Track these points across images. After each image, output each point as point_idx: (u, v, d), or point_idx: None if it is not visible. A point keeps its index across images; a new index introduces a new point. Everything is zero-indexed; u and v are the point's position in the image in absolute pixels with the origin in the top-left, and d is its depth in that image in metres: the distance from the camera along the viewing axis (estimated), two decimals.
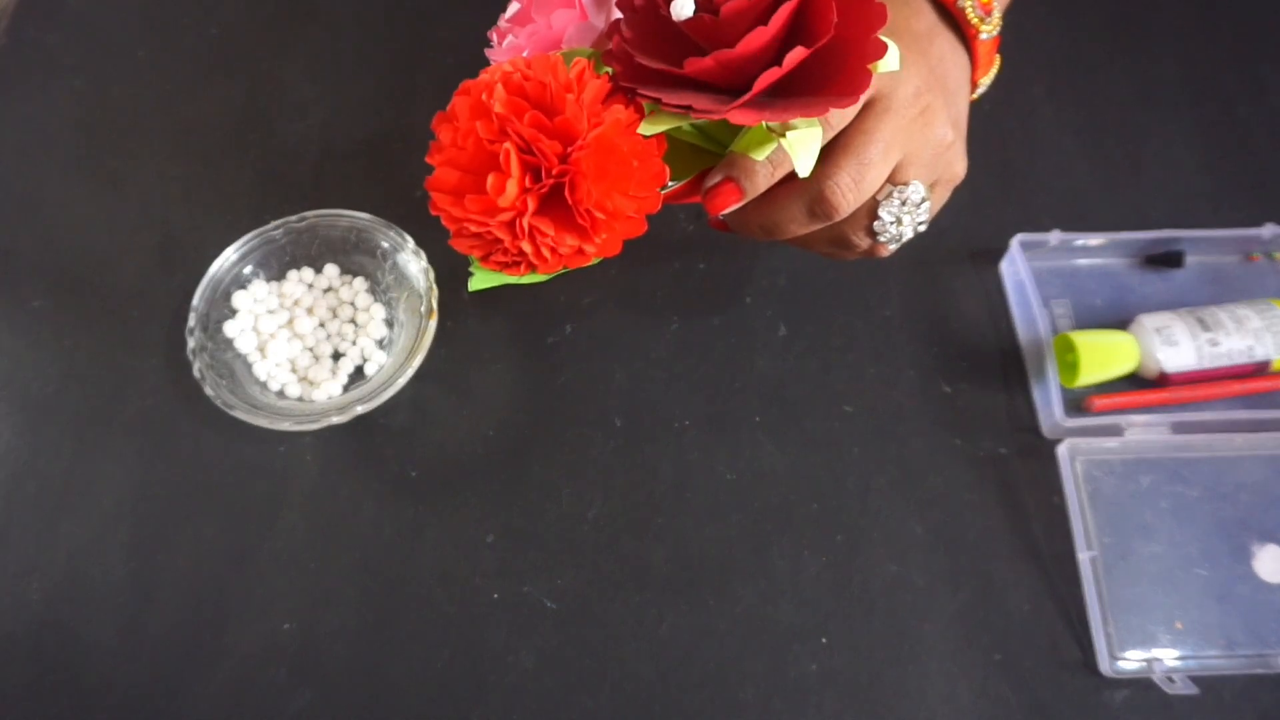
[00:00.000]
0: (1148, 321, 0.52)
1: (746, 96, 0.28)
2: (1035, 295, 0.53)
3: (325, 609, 0.48)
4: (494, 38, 0.35)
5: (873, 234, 0.38)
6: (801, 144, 0.31)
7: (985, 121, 0.63)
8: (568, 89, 0.28)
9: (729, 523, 0.50)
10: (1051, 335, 0.52)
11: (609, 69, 0.31)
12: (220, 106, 0.63)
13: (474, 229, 0.29)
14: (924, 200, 0.38)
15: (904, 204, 0.37)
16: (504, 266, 0.31)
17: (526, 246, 0.29)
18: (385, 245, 0.54)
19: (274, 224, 0.54)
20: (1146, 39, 0.66)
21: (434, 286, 0.52)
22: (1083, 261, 0.57)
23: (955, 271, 0.57)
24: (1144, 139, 0.62)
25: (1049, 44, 0.65)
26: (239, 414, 0.48)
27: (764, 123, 0.31)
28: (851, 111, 0.34)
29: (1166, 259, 0.56)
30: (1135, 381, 0.53)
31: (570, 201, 0.28)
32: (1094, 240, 0.56)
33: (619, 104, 0.29)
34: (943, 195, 0.41)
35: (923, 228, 0.39)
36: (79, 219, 0.59)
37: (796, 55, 0.28)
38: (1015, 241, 0.55)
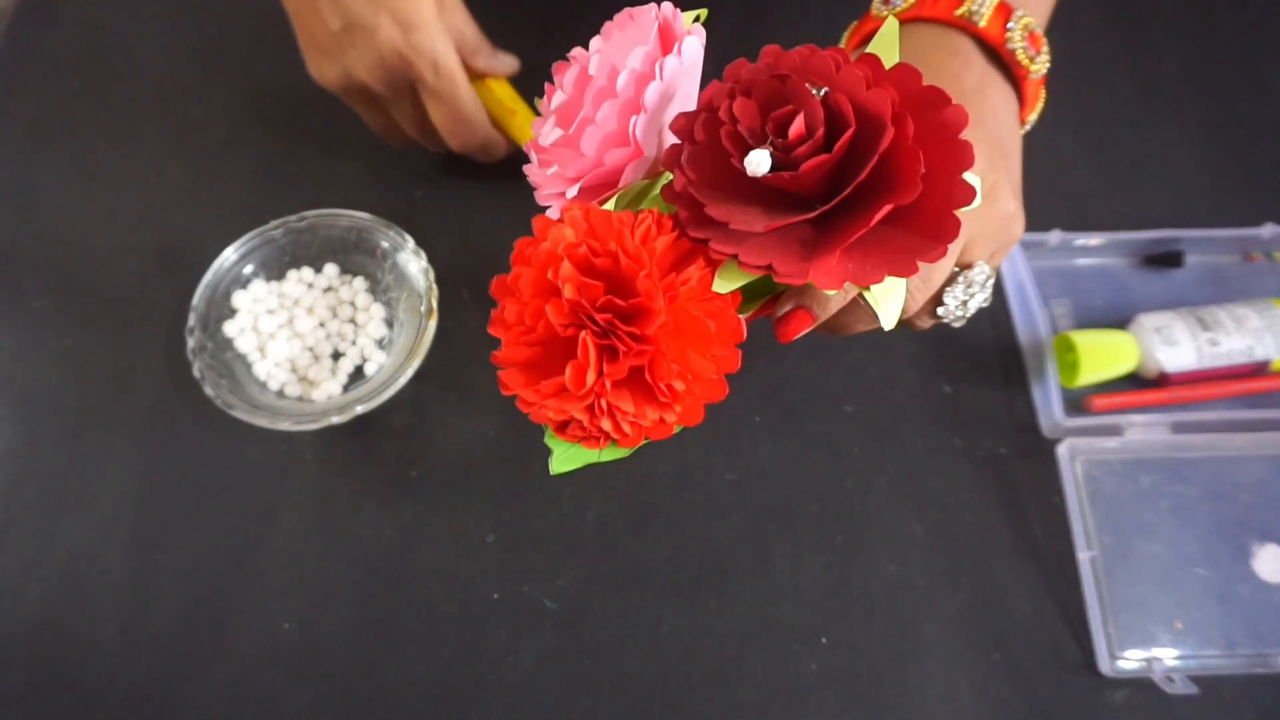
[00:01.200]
0: (1147, 321, 0.52)
1: (832, 259, 0.26)
2: (1035, 295, 0.53)
3: (325, 609, 0.48)
4: (533, 155, 0.33)
5: (937, 317, 0.37)
6: (885, 296, 0.29)
7: None
8: (638, 261, 0.27)
9: (729, 523, 0.50)
10: (1051, 335, 0.52)
11: (672, 208, 0.29)
12: (220, 106, 0.63)
13: (552, 414, 0.28)
14: (988, 279, 0.36)
15: (969, 286, 0.36)
16: (583, 440, 0.29)
17: (607, 425, 0.28)
18: (385, 245, 0.54)
19: (274, 223, 0.54)
20: (1147, 39, 0.66)
21: (434, 286, 0.52)
22: (1083, 261, 0.57)
23: None
24: (1144, 139, 0.62)
25: (1050, 44, 0.65)
26: (239, 414, 0.48)
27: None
28: None
29: (1166, 259, 0.56)
30: (1135, 381, 0.53)
31: (650, 379, 0.27)
32: (1094, 240, 0.56)
33: (688, 261, 0.28)
34: (1001, 257, 0.39)
35: (987, 303, 0.37)
36: (79, 219, 0.59)
37: (882, 213, 0.25)
38: None
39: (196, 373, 0.50)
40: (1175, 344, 0.51)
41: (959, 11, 0.37)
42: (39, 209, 0.60)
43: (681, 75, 0.30)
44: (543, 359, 0.28)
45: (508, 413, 0.53)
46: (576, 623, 0.48)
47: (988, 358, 0.54)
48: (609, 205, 0.30)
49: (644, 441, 0.30)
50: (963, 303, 0.36)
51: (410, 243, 0.53)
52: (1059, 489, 0.50)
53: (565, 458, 0.31)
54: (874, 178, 0.26)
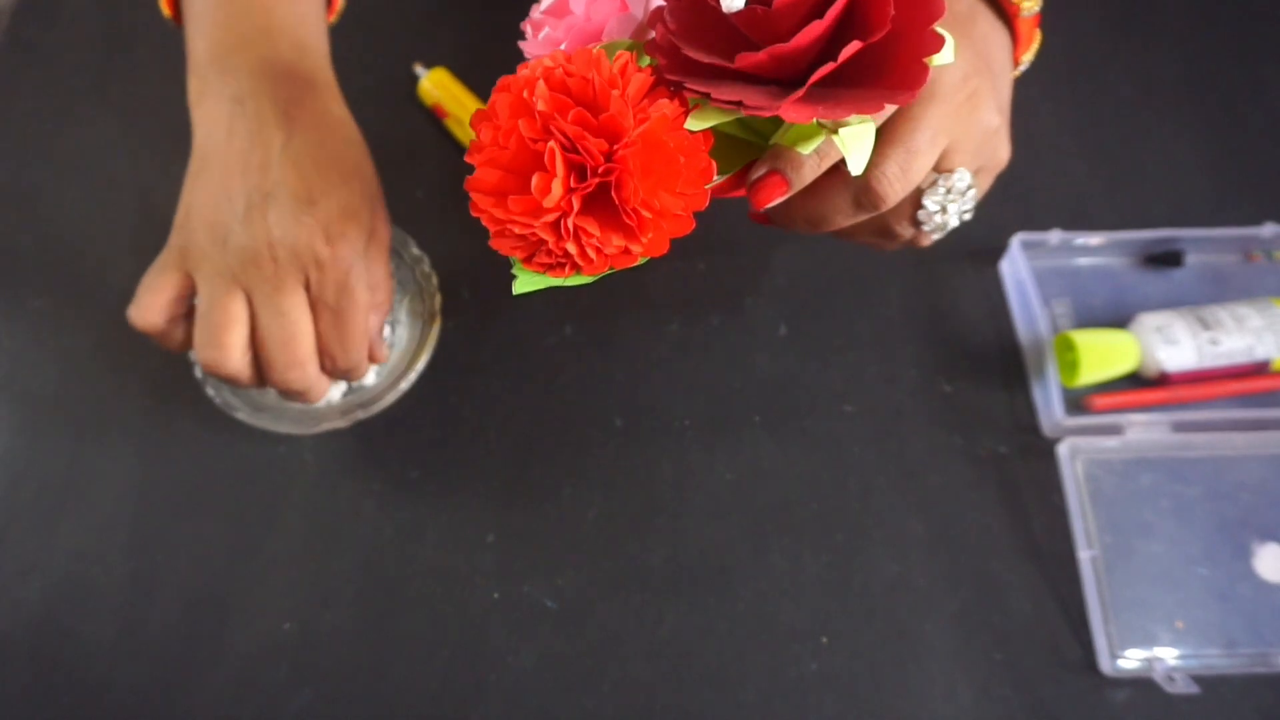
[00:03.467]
0: (1148, 320, 0.52)
1: (800, 92, 0.27)
2: (1035, 294, 0.53)
3: (325, 609, 0.48)
4: (528, 30, 0.34)
5: (917, 223, 0.38)
6: (854, 140, 0.30)
7: None
8: (612, 84, 0.27)
9: (729, 523, 0.50)
10: (1051, 334, 0.52)
11: (653, 61, 0.30)
12: None
13: (518, 230, 0.28)
14: (970, 188, 0.37)
15: (949, 192, 0.37)
16: (548, 268, 0.30)
17: (571, 247, 0.28)
18: None
19: None
20: (1146, 38, 0.66)
21: (436, 290, 0.52)
22: (1083, 261, 0.57)
23: (955, 271, 0.57)
24: (1144, 138, 0.62)
25: (1049, 43, 0.65)
26: (241, 415, 0.48)
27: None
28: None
29: (1166, 258, 0.56)
30: (1135, 381, 0.53)
31: (616, 200, 0.28)
32: (1094, 239, 0.56)
33: (664, 99, 0.29)
34: (987, 182, 0.40)
35: (968, 216, 0.38)
36: (79, 219, 0.59)
37: (852, 49, 0.27)
38: (1015, 241, 0.55)
39: (198, 374, 0.50)
40: (1176, 343, 0.51)
41: None
42: (39, 209, 0.60)
43: None
44: (513, 182, 0.29)
45: (508, 412, 0.53)
46: (576, 623, 0.48)
47: (988, 357, 0.54)
48: None
49: (608, 270, 0.30)
50: (942, 208, 0.37)
51: (412, 244, 0.53)
52: (1059, 488, 0.50)
53: (527, 280, 0.31)
54: (845, 25, 0.28)
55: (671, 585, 0.48)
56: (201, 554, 0.49)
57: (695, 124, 0.29)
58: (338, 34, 0.66)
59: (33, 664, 0.47)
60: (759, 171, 0.33)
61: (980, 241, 0.57)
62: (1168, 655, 0.46)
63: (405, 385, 0.49)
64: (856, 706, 0.46)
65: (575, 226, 0.28)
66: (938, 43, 0.27)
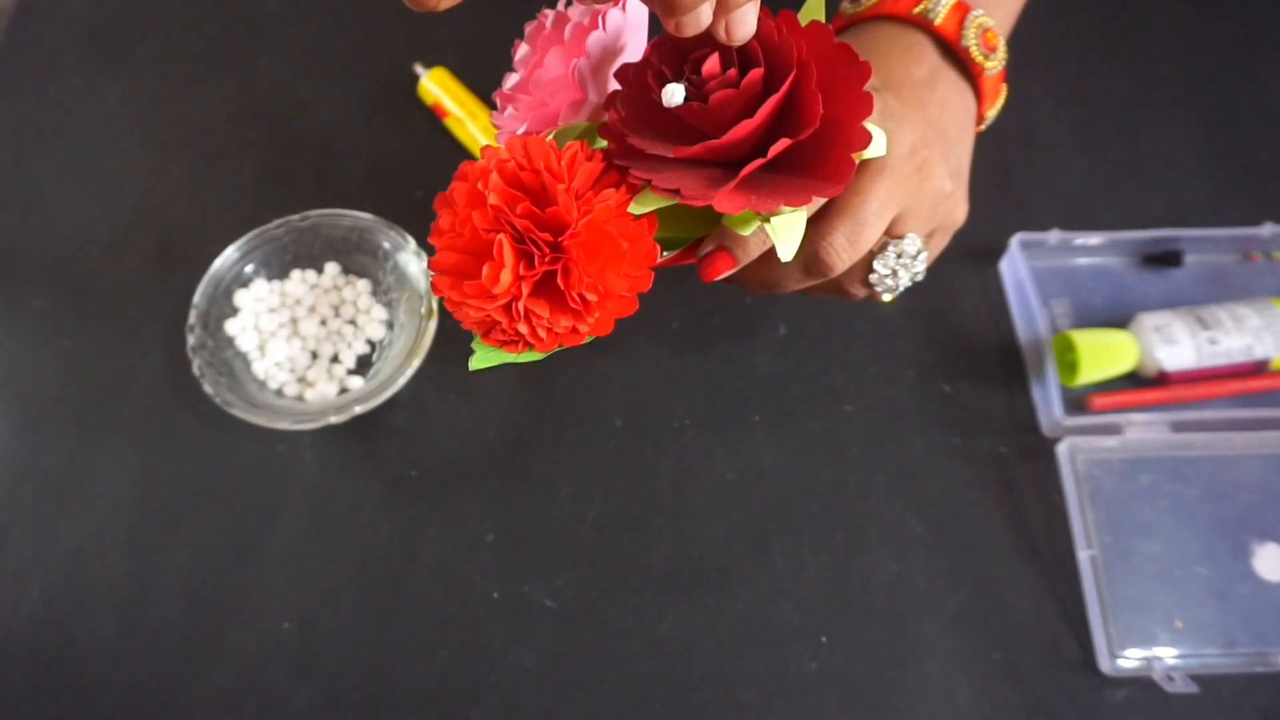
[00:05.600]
0: (1147, 320, 0.52)
1: (731, 185, 0.29)
2: (1035, 294, 0.53)
3: (325, 608, 0.48)
4: (499, 102, 0.35)
5: (869, 285, 0.39)
6: (785, 229, 0.31)
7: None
8: (559, 178, 0.29)
9: (729, 522, 0.50)
10: (1051, 334, 0.53)
11: (604, 143, 0.32)
12: (220, 106, 0.64)
13: (472, 312, 0.30)
14: (920, 252, 0.38)
15: (900, 256, 0.37)
16: (503, 344, 0.32)
17: (523, 328, 0.30)
18: (386, 245, 0.54)
19: (276, 222, 0.54)
20: (1146, 38, 0.66)
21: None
22: (1082, 261, 0.57)
23: (955, 271, 0.57)
24: (1143, 138, 0.62)
25: (1049, 43, 0.66)
26: (237, 412, 0.48)
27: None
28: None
29: (1166, 258, 0.56)
30: (1135, 380, 0.53)
31: (563, 287, 0.30)
32: (1093, 239, 0.56)
33: (610, 187, 0.31)
34: (941, 242, 0.41)
35: (920, 277, 0.39)
36: (79, 218, 0.59)
37: (780, 146, 0.29)
38: (1015, 241, 0.55)
39: (196, 370, 0.50)
40: (1175, 343, 0.51)
41: (917, 9, 0.40)
42: (39, 209, 0.60)
43: (628, 30, 0.33)
44: (469, 265, 0.30)
45: (508, 412, 0.53)
46: (576, 622, 0.48)
47: (988, 357, 0.54)
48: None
49: (557, 348, 0.32)
50: (892, 272, 0.38)
51: (411, 243, 0.53)
52: (1059, 488, 0.50)
53: (484, 357, 0.33)
54: (779, 121, 0.29)
55: (671, 585, 0.48)
56: (201, 553, 0.49)
57: (638, 208, 0.31)
58: (338, 34, 0.67)
59: (33, 664, 0.47)
60: (707, 248, 0.35)
61: (980, 241, 0.57)
62: (1167, 654, 0.46)
63: (402, 381, 0.49)
64: (856, 706, 0.46)
65: (526, 309, 0.30)
66: (865, 139, 0.29)
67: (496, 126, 0.35)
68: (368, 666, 0.47)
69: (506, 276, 0.29)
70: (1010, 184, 0.60)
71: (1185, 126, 0.62)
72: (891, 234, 0.37)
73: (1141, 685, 0.46)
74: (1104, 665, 0.46)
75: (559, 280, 0.29)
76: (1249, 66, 0.64)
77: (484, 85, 0.62)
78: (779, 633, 0.47)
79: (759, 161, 0.29)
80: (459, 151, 0.61)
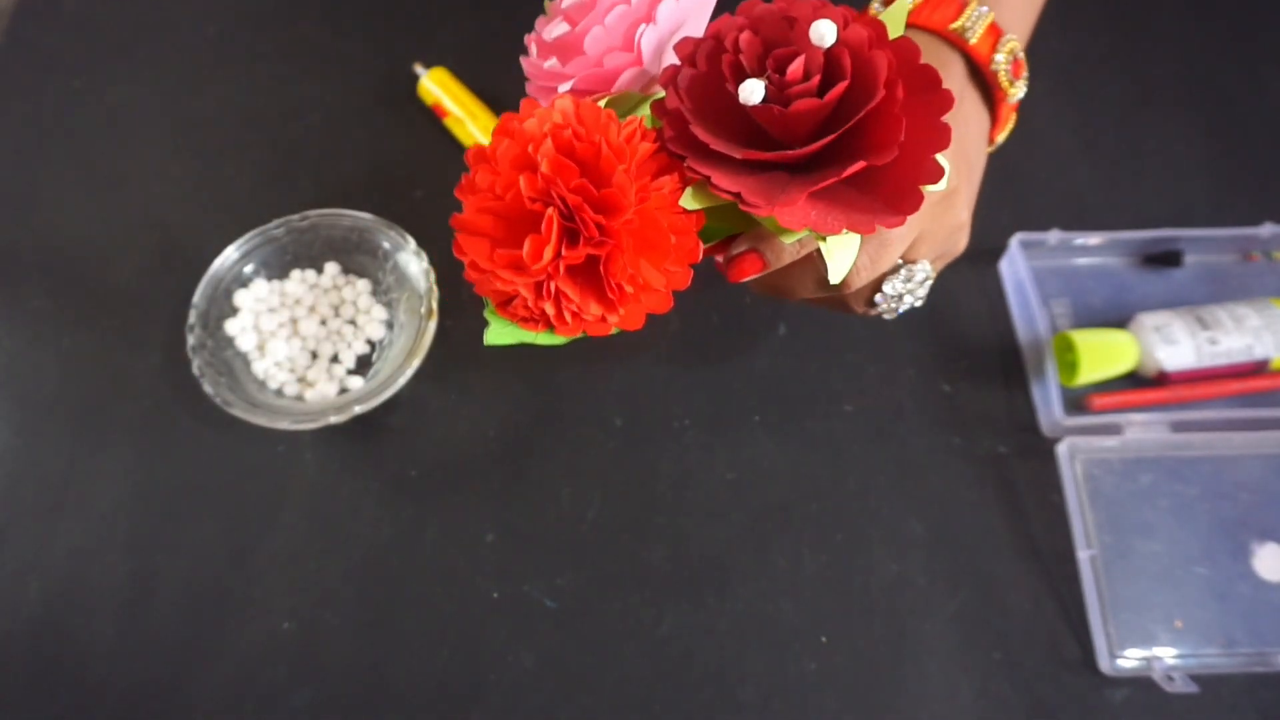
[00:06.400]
0: (1147, 320, 0.52)
1: (800, 200, 0.27)
2: (1035, 294, 0.53)
3: (325, 608, 0.48)
4: (531, 47, 0.33)
5: (872, 304, 0.39)
6: (840, 250, 0.30)
7: None
8: (620, 157, 0.27)
9: (729, 522, 0.50)
10: (1051, 334, 0.53)
11: (658, 123, 0.30)
12: (220, 106, 0.64)
13: (499, 283, 0.28)
14: (927, 278, 0.38)
15: (909, 280, 0.37)
16: (522, 321, 0.30)
17: (549, 309, 0.28)
18: (386, 245, 0.54)
19: (276, 222, 0.54)
20: (1146, 38, 0.66)
21: (434, 287, 0.52)
22: (1082, 261, 0.57)
23: (955, 271, 0.56)
24: (1143, 138, 0.62)
25: (1049, 43, 0.65)
26: (237, 412, 0.48)
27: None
28: None
29: (1165, 258, 0.56)
30: (1134, 380, 0.53)
31: (602, 273, 0.28)
32: (1093, 239, 0.56)
33: (662, 173, 0.29)
34: (940, 268, 0.41)
35: (920, 303, 0.39)
36: (78, 219, 0.59)
37: (855, 168, 0.27)
38: (1015, 241, 0.55)
39: (196, 370, 0.50)
40: (1174, 343, 0.51)
41: (953, 25, 0.39)
42: (39, 209, 0.60)
43: (693, 6, 0.31)
44: (502, 231, 0.28)
45: (508, 412, 0.53)
46: (576, 622, 0.48)
47: (987, 357, 0.54)
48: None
49: (580, 335, 0.30)
50: (900, 295, 0.38)
51: (411, 243, 0.53)
52: (1059, 488, 0.50)
53: (501, 332, 0.31)
54: (854, 136, 0.28)
55: (671, 585, 0.48)
56: (201, 553, 0.49)
57: (690, 203, 0.29)
58: (338, 34, 0.67)
59: (33, 664, 0.47)
60: (739, 248, 0.34)
61: (980, 241, 0.57)
62: (1167, 654, 0.46)
63: (402, 381, 0.49)
64: (856, 706, 0.46)
65: (557, 290, 0.28)
66: (937, 174, 0.27)
67: (529, 76, 0.33)
68: (368, 666, 0.47)
69: (549, 253, 0.27)
70: (1010, 184, 0.60)
71: (1185, 126, 0.62)
72: (905, 258, 0.37)
73: (1141, 685, 0.46)
74: (1104, 665, 0.46)
75: (600, 266, 0.28)
76: (1249, 66, 0.64)
77: (484, 85, 0.62)
78: (779, 633, 0.47)
79: (832, 179, 0.27)
80: (459, 151, 0.61)
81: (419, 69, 0.62)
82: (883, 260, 0.35)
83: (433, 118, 0.62)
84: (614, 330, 0.30)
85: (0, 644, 0.47)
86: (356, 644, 0.47)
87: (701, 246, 0.30)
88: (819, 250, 0.32)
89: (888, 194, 0.28)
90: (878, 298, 0.38)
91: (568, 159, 0.27)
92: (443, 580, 0.49)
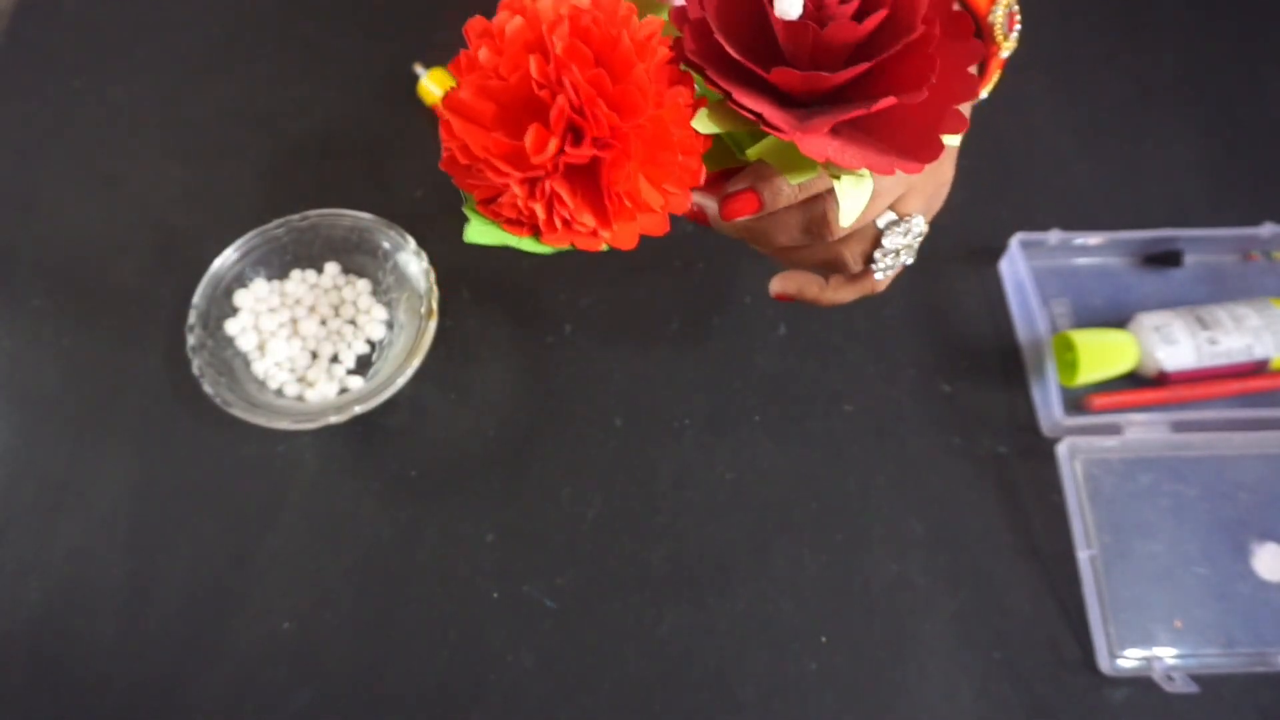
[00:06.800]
0: (1147, 320, 0.52)
1: (824, 129, 0.26)
2: (1035, 294, 0.53)
3: (325, 608, 0.48)
4: None
5: (870, 260, 0.38)
6: (852, 191, 0.29)
7: (984, 121, 0.63)
8: (642, 55, 0.25)
9: (729, 522, 0.50)
10: (1051, 334, 0.53)
11: (676, 31, 0.28)
12: (220, 106, 0.64)
13: (492, 175, 0.26)
14: (922, 234, 0.37)
15: (906, 235, 0.37)
16: (507, 222, 0.27)
17: (540, 210, 0.26)
18: (386, 245, 0.54)
19: (276, 222, 0.54)
20: (1146, 38, 0.66)
21: (434, 287, 0.52)
22: (1082, 260, 0.57)
23: (955, 271, 0.57)
24: (1143, 138, 0.62)
25: (1049, 43, 0.66)
26: (237, 412, 0.48)
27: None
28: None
29: (1165, 258, 0.56)
30: (1134, 380, 0.53)
31: (603, 179, 0.26)
32: (1093, 239, 0.56)
33: (681, 87, 0.26)
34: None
35: (911, 260, 0.39)
36: (78, 218, 0.59)
37: (886, 103, 0.25)
38: (1014, 241, 0.55)
39: (196, 370, 0.50)
40: (1174, 343, 0.51)
41: None
42: (39, 209, 0.60)
43: None
44: (498, 118, 0.26)
45: (508, 412, 0.53)
46: (576, 622, 0.48)
47: (987, 357, 0.54)
48: None
49: (568, 248, 0.28)
50: (898, 250, 0.37)
51: (411, 243, 0.53)
52: (1059, 488, 0.50)
53: (482, 231, 0.28)
54: (885, 73, 0.26)
55: (671, 585, 0.48)
56: (201, 554, 0.49)
57: (703, 125, 0.27)
58: (338, 34, 0.67)
59: (33, 664, 0.47)
60: (739, 185, 0.33)
61: (980, 241, 0.57)
62: (1166, 654, 0.46)
63: (402, 381, 0.49)
64: (856, 706, 0.46)
65: (552, 191, 0.26)
66: (961, 124, 0.26)
67: None
68: (368, 666, 0.47)
69: (553, 145, 0.25)
70: (1010, 184, 0.60)
71: (1185, 126, 0.62)
72: (895, 210, 0.36)
73: (1141, 685, 0.46)
74: (1104, 665, 0.46)
75: (600, 172, 0.26)
76: (1249, 66, 0.64)
77: None
78: (779, 633, 0.47)
79: (860, 111, 0.26)
80: None
81: (419, 69, 0.62)
82: (872, 210, 0.34)
83: (433, 118, 0.62)
84: (604, 247, 0.28)
85: (0, 644, 0.47)
86: (356, 644, 0.47)
87: (704, 170, 0.28)
88: (817, 199, 0.30)
89: (909, 139, 0.27)
90: (877, 254, 0.37)
91: (583, 46, 0.25)
92: (443, 580, 0.49)
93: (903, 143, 0.27)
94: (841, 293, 0.40)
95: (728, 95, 0.26)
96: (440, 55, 0.63)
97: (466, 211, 0.28)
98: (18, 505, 0.51)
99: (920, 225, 0.37)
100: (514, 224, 0.27)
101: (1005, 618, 0.47)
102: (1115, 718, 0.45)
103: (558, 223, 0.26)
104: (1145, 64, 0.65)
